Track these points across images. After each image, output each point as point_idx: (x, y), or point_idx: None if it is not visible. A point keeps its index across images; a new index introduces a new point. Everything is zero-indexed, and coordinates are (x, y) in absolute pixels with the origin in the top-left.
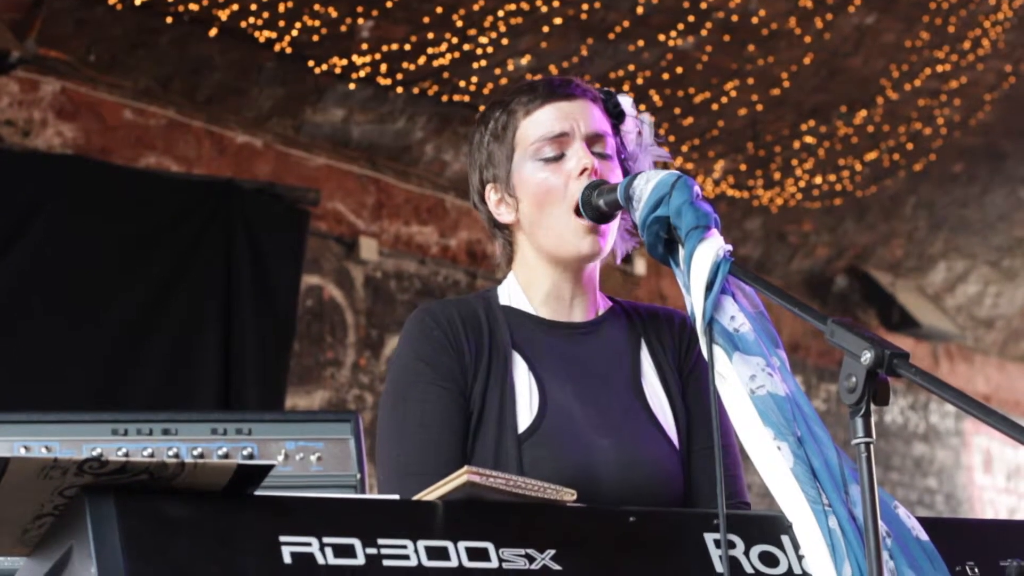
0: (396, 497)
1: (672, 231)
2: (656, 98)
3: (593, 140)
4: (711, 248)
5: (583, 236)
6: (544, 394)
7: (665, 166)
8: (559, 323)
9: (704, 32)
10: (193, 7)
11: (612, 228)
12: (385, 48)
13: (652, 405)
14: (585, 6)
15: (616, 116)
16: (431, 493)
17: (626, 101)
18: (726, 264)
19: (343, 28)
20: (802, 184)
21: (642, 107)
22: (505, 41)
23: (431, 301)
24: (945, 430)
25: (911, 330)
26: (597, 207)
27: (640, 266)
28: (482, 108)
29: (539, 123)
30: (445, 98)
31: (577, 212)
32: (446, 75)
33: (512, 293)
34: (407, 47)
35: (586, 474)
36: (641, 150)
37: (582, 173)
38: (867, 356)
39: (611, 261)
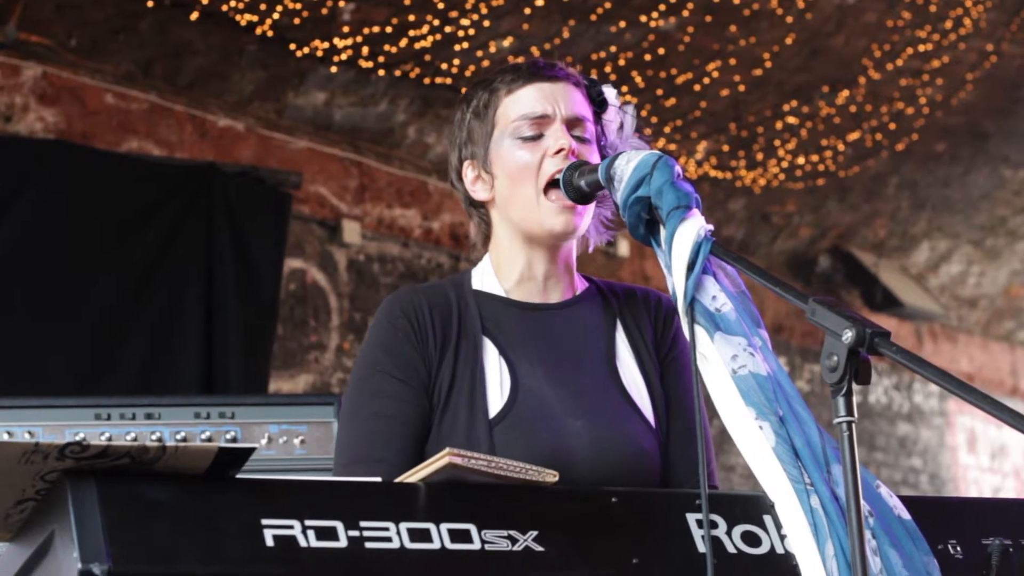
0: (378, 479)
1: (653, 211)
2: (638, 79)
3: (573, 123)
4: (692, 228)
5: (556, 214)
6: (515, 378)
7: None
8: (531, 304)
9: (686, 13)
10: None
11: (588, 208)
12: (367, 31)
13: (627, 384)
14: None
15: (599, 105)
16: (413, 475)
17: (610, 92)
18: (707, 244)
19: (324, 11)
20: (785, 164)
21: (624, 88)
22: (487, 23)
23: (402, 289)
24: (929, 410)
25: (894, 310)
26: (578, 187)
27: (623, 247)
28: (464, 90)
29: (520, 102)
30: (427, 80)
31: (546, 191)
32: (428, 57)
33: (485, 276)
34: (388, 30)
35: (559, 456)
36: (622, 141)
37: (558, 152)
38: (848, 335)
39: (587, 247)
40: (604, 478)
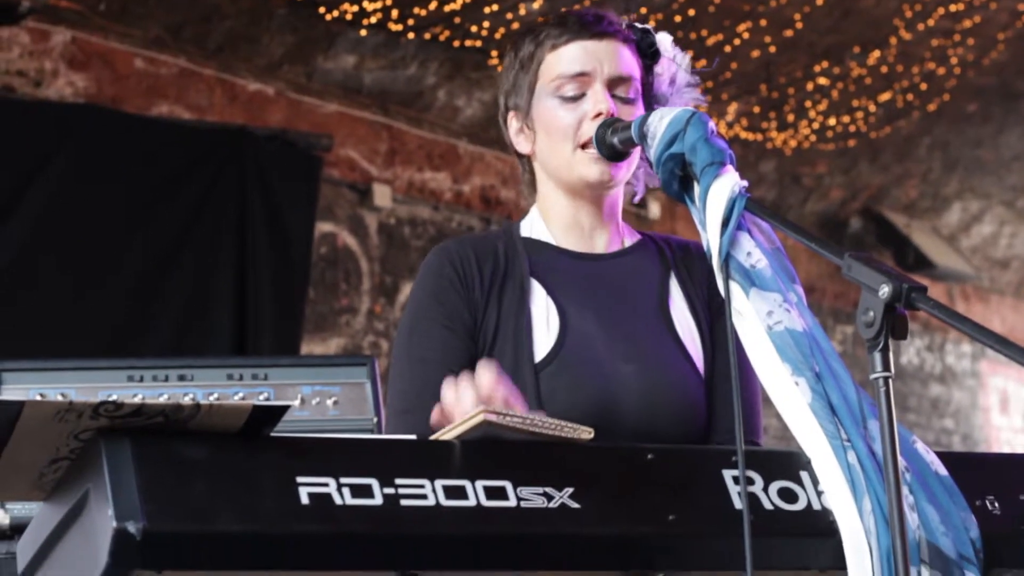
0: (412, 437)
1: (687, 168)
2: None
3: (615, 83)
4: (726, 184)
5: (590, 164)
6: (564, 320)
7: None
8: (581, 253)
9: None
10: None
11: (630, 160)
12: None
13: (680, 332)
14: None
15: (651, 56)
16: (448, 432)
17: (664, 40)
18: (742, 200)
19: None
20: (816, 126)
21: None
22: None
23: (449, 239)
24: (961, 371)
25: (926, 271)
26: (611, 145)
27: (654, 209)
28: (495, 53)
29: (563, 60)
30: (457, 43)
31: (583, 148)
32: (457, 20)
33: (534, 225)
34: None
35: (605, 401)
36: (674, 92)
37: (596, 116)
38: (885, 290)
39: (633, 196)
40: (650, 424)
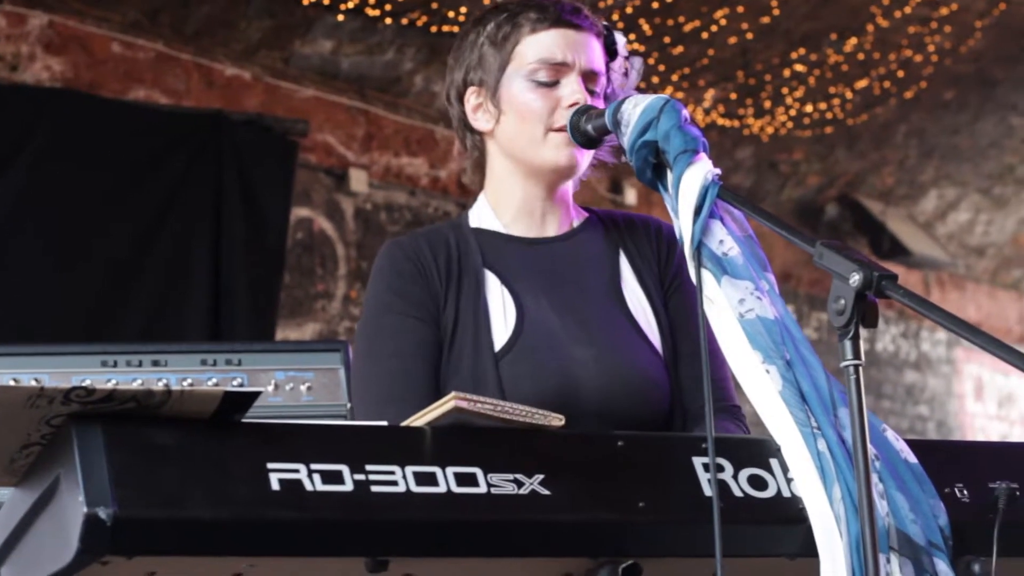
0: (384, 423)
1: (660, 155)
2: (646, 27)
3: (588, 76)
4: (699, 172)
5: (561, 148)
6: (520, 309)
7: None
8: (531, 239)
9: None
10: None
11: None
12: None
13: (633, 310)
14: None
15: (611, 54)
16: (419, 419)
17: (620, 40)
18: (714, 187)
19: None
20: (793, 113)
21: (632, 36)
22: None
23: (400, 236)
24: (936, 358)
25: (902, 258)
26: (585, 132)
27: (631, 196)
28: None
29: (542, 45)
30: (434, 29)
31: (554, 132)
32: (435, 5)
33: (482, 214)
34: None
35: (566, 386)
36: (623, 92)
37: (571, 106)
38: (855, 278)
39: (595, 190)
40: (611, 408)
